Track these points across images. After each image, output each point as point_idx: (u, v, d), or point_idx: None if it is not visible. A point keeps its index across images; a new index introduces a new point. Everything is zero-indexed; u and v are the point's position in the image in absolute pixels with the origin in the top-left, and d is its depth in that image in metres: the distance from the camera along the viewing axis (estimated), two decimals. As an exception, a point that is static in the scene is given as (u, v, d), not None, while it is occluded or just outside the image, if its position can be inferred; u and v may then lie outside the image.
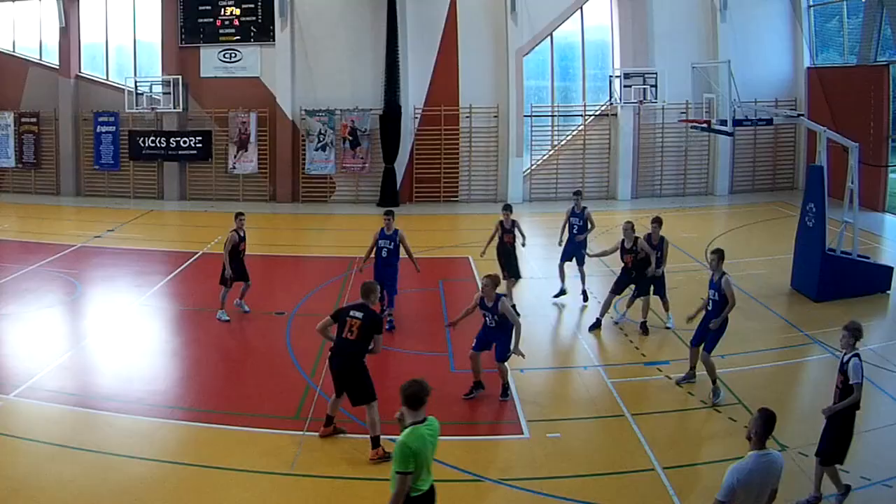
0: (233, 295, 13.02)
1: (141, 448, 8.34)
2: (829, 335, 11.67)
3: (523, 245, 13.40)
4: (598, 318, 12.22)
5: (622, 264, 12.31)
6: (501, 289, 10.18)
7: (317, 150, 23.88)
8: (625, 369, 10.71)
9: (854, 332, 7.40)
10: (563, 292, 13.68)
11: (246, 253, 13.12)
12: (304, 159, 24.04)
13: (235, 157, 24.31)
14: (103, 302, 14.22)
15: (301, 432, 8.74)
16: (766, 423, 5.45)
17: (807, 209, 13.91)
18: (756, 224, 20.10)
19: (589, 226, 13.63)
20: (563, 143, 24.61)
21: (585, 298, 13.53)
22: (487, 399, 9.86)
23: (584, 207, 13.65)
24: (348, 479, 7.88)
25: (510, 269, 13.11)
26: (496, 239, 13.15)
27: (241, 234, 12.92)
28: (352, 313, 8.28)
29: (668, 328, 12.21)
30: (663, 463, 8.00)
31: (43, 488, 7.50)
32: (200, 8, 24.28)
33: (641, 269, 12.00)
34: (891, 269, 14.12)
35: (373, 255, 12.42)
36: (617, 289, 12.30)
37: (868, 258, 14.56)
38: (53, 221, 21.54)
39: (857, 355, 7.29)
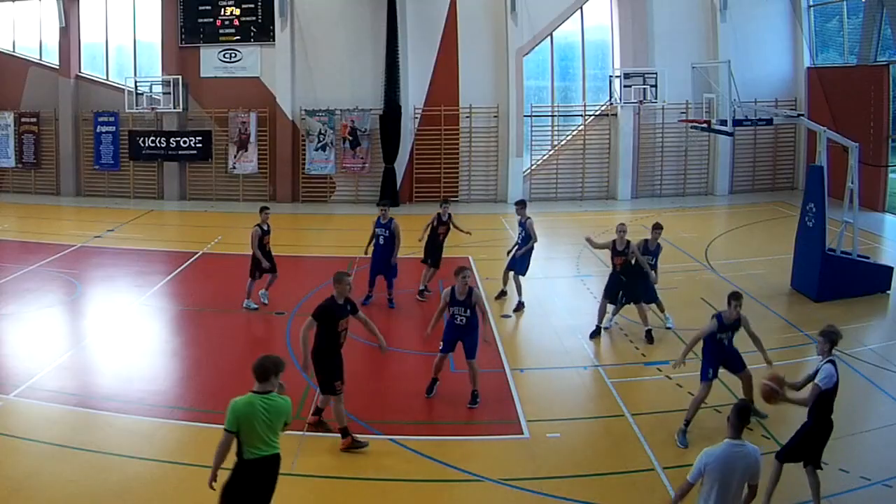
0: (258, 286, 13.54)
1: (141, 448, 8.33)
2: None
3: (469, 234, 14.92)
4: (597, 326, 12.06)
5: (611, 266, 12.16)
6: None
7: (317, 150, 23.88)
8: (625, 369, 10.71)
9: (828, 337, 7.16)
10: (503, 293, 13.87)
11: (270, 246, 13.53)
12: (304, 159, 24.04)
13: (235, 157, 24.31)
14: (103, 302, 14.22)
15: (301, 432, 8.74)
16: (738, 414, 5.71)
17: (807, 209, 13.91)
18: (756, 224, 20.09)
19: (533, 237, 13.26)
20: (563, 143, 24.62)
21: (519, 308, 13.28)
22: (487, 399, 9.85)
23: (528, 218, 13.35)
24: (348, 479, 7.88)
25: (433, 258, 13.99)
26: (430, 229, 14.02)
27: (265, 228, 13.31)
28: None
29: (668, 328, 12.19)
30: (663, 463, 8.00)
31: (43, 488, 7.50)
32: (200, 8, 24.29)
33: (632, 275, 11.81)
34: (891, 269, 14.12)
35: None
36: (608, 294, 12.03)
37: (868, 258, 14.56)
38: (53, 221, 21.54)
39: (833, 361, 7.06)
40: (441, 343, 9.71)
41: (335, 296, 8.44)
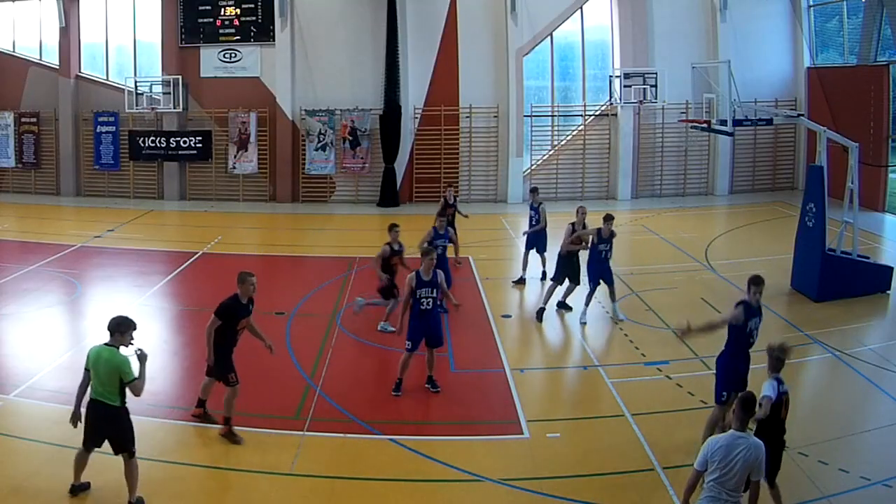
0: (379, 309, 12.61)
1: (141, 448, 8.31)
2: (829, 335, 11.69)
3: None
4: (556, 304, 13.07)
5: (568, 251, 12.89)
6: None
7: (317, 150, 23.89)
8: (625, 369, 10.71)
9: (771, 354, 6.66)
10: (522, 280, 14.83)
11: (399, 268, 12.21)
12: (304, 159, 24.05)
13: (235, 157, 24.31)
14: (103, 302, 14.21)
15: (301, 432, 8.74)
16: (742, 406, 5.82)
17: (807, 209, 13.90)
18: (756, 224, 20.09)
19: (543, 221, 14.63)
20: (563, 143, 24.62)
21: (544, 277, 14.57)
22: (487, 399, 9.87)
23: (541, 203, 14.74)
24: (348, 479, 7.88)
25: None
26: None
27: (395, 248, 12.17)
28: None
29: (620, 320, 12.45)
30: (663, 463, 7.99)
31: (43, 488, 7.50)
32: (200, 8, 24.29)
33: (574, 260, 12.85)
34: (891, 269, 14.12)
35: None
36: (574, 277, 12.96)
37: (868, 258, 14.55)
38: (53, 221, 21.54)
39: (778, 378, 6.65)
40: (408, 343, 9.71)
41: (238, 295, 8.54)
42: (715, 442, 5.76)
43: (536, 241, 14.76)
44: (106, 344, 7.09)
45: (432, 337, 9.80)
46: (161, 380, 10.51)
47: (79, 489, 7.37)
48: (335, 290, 14.48)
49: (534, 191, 15.24)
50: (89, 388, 7.10)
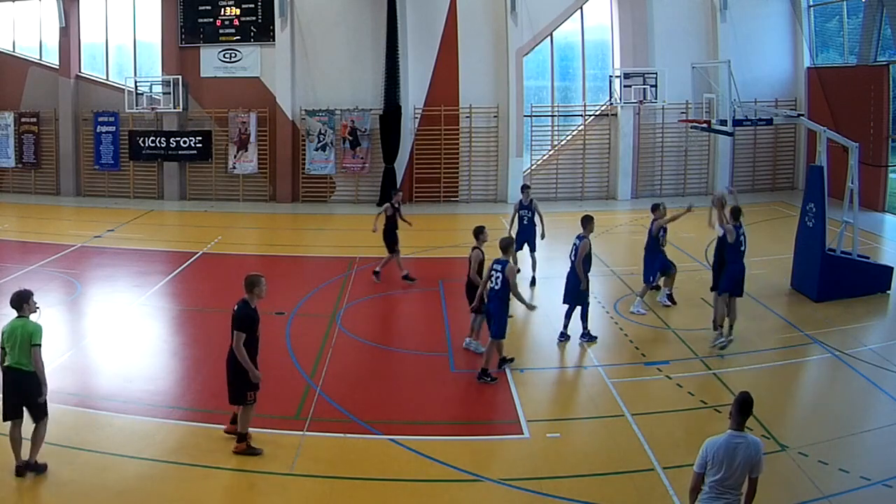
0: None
1: (141, 448, 8.33)
2: (829, 335, 11.69)
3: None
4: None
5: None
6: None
7: (317, 150, 23.88)
8: (625, 369, 10.71)
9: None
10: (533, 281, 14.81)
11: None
12: (304, 159, 24.04)
13: (235, 157, 24.30)
14: (103, 302, 14.21)
15: (301, 432, 8.74)
16: (739, 406, 5.82)
17: (807, 209, 13.90)
18: (756, 224, 20.07)
19: (537, 217, 14.71)
20: (563, 143, 24.61)
21: (533, 283, 14.58)
22: (487, 399, 9.87)
23: (532, 199, 14.79)
24: (348, 479, 7.88)
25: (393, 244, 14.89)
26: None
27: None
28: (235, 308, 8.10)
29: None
30: (663, 463, 7.99)
31: (43, 488, 7.50)
32: (200, 8, 24.27)
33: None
34: (891, 269, 14.11)
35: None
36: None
37: (868, 258, 14.55)
38: (53, 221, 21.53)
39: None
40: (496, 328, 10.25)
41: (248, 300, 8.07)
42: (713, 443, 5.76)
43: (528, 238, 14.69)
44: (17, 317, 7.77)
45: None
46: (161, 380, 10.51)
47: (23, 469, 7.67)
48: (335, 290, 14.48)
49: (525, 188, 15.22)
50: (5, 360, 7.68)
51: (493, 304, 10.28)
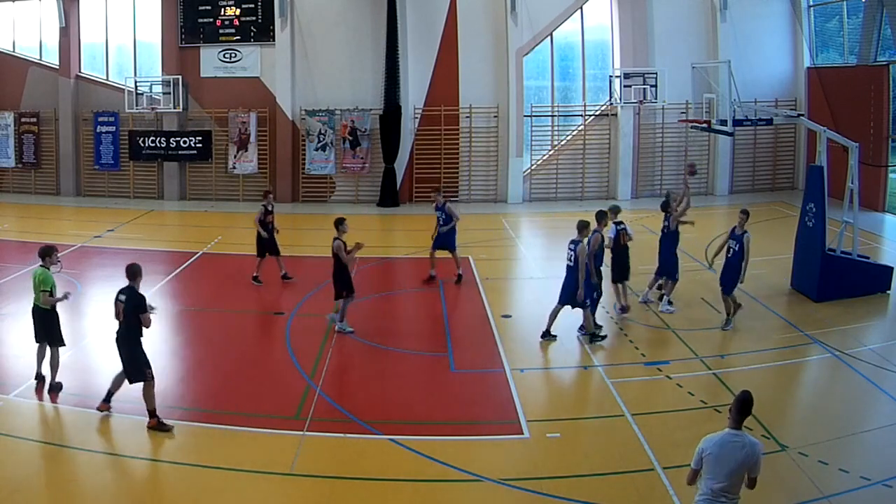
0: None
1: (141, 448, 8.34)
2: (829, 335, 11.69)
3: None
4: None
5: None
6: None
7: (317, 150, 23.88)
8: (625, 369, 10.71)
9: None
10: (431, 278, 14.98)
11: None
12: (304, 159, 24.04)
13: (235, 157, 24.31)
14: (103, 302, 14.17)
15: (301, 432, 8.74)
16: (739, 405, 5.83)
17: (807, 209, 13.90)
18: (756, 224, 19.99)
19: (453, 219, 14.80)
20: (563, 143, 24.61)
21: (458, 281, 14.80)
22: (487, 399, 9.87)
23: (445, 202, 14.90)
24: (348, 479, 7.88)
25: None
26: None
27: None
28: (118, 297, 9.05)
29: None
30: (663, 463, 7.99)
31: (43, 488, 7.50)
32: (200, 8, 24.28)
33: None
34: (891, 269, 14.11)
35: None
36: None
37: (868, 258, 14.55)
38: (53, 221, 21.53)
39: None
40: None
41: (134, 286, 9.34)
42: (709, 440, 5.76)
43: (447, 240, 14.77)
44: (40, 265, 9.69)
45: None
46: (161, 380, 10.47)
47: (41, 381, 9.79)
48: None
49: (436, 191, 15.28)
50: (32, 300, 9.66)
51: (569, 278, 11.63)
